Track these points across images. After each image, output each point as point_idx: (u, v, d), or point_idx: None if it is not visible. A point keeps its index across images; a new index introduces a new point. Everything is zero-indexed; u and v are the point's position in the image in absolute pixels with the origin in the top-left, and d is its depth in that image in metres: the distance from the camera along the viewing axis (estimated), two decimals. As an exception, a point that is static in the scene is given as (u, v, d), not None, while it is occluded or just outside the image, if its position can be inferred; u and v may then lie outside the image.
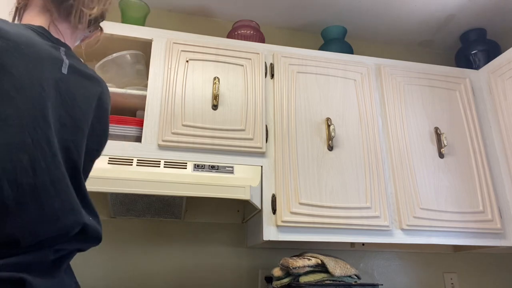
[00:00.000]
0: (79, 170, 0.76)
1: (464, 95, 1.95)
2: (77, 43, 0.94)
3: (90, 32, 0.96)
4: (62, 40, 0.84)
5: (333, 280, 1.49)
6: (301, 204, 1.56)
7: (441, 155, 1.80)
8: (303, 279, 1.48)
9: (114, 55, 1.67)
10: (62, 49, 0.80)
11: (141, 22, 1.91)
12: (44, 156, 0.67)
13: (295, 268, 1.47)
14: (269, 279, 1.68)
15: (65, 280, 0.72)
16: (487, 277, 2.07)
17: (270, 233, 1.50)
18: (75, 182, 0.74)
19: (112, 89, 1.57)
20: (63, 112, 0.75)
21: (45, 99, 0.70)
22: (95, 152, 0.86)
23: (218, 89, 1.64)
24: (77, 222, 0.71)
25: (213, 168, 1.54)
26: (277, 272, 1.57)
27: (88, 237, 0.76)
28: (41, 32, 0.79)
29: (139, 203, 1.62)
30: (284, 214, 1.52)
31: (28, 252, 0.65)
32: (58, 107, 0.73)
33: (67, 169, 0.73)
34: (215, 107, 1.63)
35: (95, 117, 0.84)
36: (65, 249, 0.72)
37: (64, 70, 0.77)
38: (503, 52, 1.97)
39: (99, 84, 0.88)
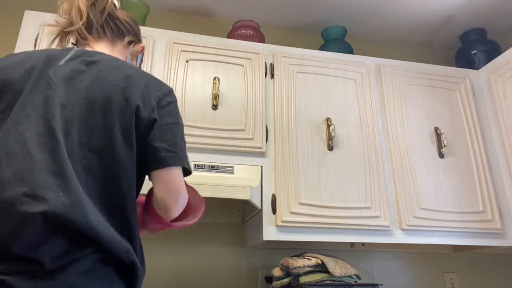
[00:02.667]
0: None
1: (464, 95, 1.95)
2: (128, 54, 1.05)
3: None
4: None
5: (333, 280, 1.49)
6: (301, 204, 1.56)
7: (441, 155, 1.80)
8: (303, 279, 1.48)
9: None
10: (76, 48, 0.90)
11: (141, 22, 1.91)
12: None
13: (295, 268, 1.47)
14: (269, 279, 1.68)
15: (73, 282, 0.66)
16: (487, 277, 2.07)
17: (270, 233, 1.50)
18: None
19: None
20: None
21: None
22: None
23: (218, 89, 1.64)
24: (26, 194, 0.66)
25: (213, 168, 1.54)
26: (277, 272, 1.57)
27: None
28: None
29: (139, 203, 1.62)
30: (284, 214, 1.52)
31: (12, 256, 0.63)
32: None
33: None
34: (215, 107, 1.63)
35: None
36: (60, 248, 0.66)
37: (61, 63, 0.84)
38: (503, 52, 1.97)
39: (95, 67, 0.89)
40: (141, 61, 1.12)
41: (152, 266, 1.73)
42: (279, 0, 2.18)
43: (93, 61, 0.85)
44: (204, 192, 1.48)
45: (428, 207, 1.68)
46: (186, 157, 0.87)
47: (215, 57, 1.73)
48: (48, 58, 0.84)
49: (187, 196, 0.88)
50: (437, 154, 1.80)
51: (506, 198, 1.79)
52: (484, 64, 2.08)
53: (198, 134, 1.57)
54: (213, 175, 1.52)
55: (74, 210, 0.67)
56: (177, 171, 0.85)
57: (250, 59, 1.76)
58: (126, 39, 1.01)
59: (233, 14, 2.27)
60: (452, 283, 2.01)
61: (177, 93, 1.62)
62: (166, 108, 0.86)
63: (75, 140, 0.75)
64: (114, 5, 0.99)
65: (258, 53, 1.78)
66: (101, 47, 0.96)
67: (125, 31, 1.01)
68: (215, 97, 1.63)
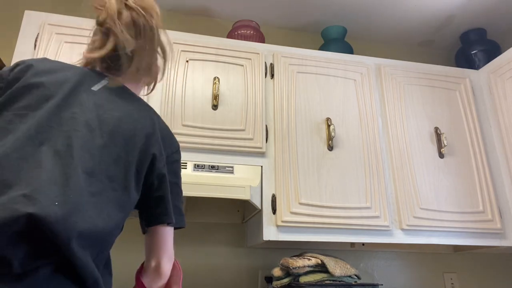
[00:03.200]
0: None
1: (464, 95, 1.95)
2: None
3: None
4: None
5: (333, 280, 1.49)
6: (301, 204, 1.56)
7: (441, 155, 1.80)
8: (303, 279, 1.48)
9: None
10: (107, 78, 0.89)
11: (141, 22, 1.90)
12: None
13: (295, 268, 1.47)
14: (269, 279, 1.68)
15: (41, 286, 0.63)
16: (487, 277, 2.07)
17: (270, 233, 1.50)
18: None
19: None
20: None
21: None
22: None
23: (218, 89, 1.64)
24: (24, 195, 0.64)
25: (213, 168, 1.54)
26: (277, 272, 1.57)
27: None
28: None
29: (139, 203, 1.62)
30: (284, 214, 1.52)
31: None
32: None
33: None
34: (215, 107, 1.63)
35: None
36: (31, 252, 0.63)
37: (96, 88, 0.84)
38: (503, 52, 1.97)
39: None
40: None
41: (152, 266, 1.73)
42: (279, 0, 2.19)
43: (126, 96, 0.86)
44: (204, 192, 1.48)
45: (428, 207, 1.68)
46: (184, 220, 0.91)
47: (215, 57, 1.73)
48: (83, 78, 0.84)
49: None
50: (437, 154, 1.80)
51: (506, 198, 1.79)
52: (484, 64, 2.08)
53: (198, 134, 1.57)
54: (213, 175, 1.52)
55: (62, 224, 0.64)
56: (172, 232, 0.89)
57: (250, 59, 1.76)
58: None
59: (233, 14, 2.27)
60: (452, 283, 2.01)
61: (177, 93, 1.62)
62: (172, 166, 0.89)
63: (95, 163, 0.74)
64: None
65: (258, 53, 1.78)
66: (128, 83, 0.94)
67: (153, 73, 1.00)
68: (215, 97, 1.63)
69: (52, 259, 0.65)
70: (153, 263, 0.87)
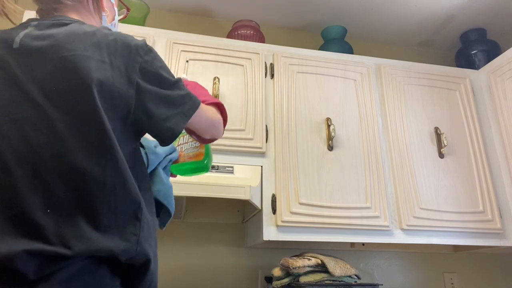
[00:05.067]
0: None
1: (464, 95, 1.95)
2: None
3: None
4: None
5: (333, 280, 1.49)
6: (301, 204, 1.56)
7: (441, 155, 1.79)
8: (303, 279, 1.48)
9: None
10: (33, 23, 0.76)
11: (141, 22, 1.91)
12: None
13: (295, 268, 1.47)
14: (269, 279, 1.68)
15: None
16: (487, 277, 2.07)
17: (270, 233, 1.50)
18: None
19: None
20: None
21: None
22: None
23: (218, 89, 1.64)
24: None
25: (213, 168, 1.54)
26: (277, 272, 1.57)
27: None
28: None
29: (139, 203, 1.61)
30: (284, 214, 1.52)
31: None
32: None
33: None
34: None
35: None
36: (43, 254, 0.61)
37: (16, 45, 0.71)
38: (503, 52, 1.97)
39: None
40: (116, 1, 0.97)
41: (152, 266, 1.73)
42: (279, 0, 2.18)
43: (53, 34, 0.74)
44: (204, 192, 1.48)
45: (428, 207, 1.68)
46: None
47: (215, 57, 1.73)
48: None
49: None
50: (437, 154, 1.80)
51: (506, 198, 1.79)
52: (484, 64, 2.08)
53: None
54: (213, 175, 1.52)
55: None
56: (200, 112, 0.85)
57: (250, 59, 1.76)
58: None
59: (233, 14, 2.27)
60: (452, 283, 2.01)
61: (177, 93, 1.62)
62: (150, 75, 0.78)
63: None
64: None
65: (258, 53, 1.78)
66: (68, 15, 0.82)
67: None
68: (215, 97, 1.63)
69: (68, 260, 0.63)
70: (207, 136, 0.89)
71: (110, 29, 0.78)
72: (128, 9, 1.01)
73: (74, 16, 0.82)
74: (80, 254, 0.62)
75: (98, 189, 0.66)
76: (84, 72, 0.68)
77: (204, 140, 0.92)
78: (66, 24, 0.75)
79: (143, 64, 0.74)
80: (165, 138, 0.77)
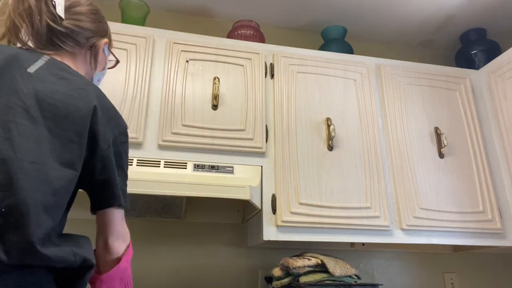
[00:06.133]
0: None
1: (464, 95, 1.95)
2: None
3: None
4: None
5: (333, 280, 1.49)
6: (301, 204, 1.56)
7: (441, 155, 1.80)
8: (303, 279, 1.48)
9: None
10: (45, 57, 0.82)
11: (141, 22, 1.91)
12: None
13: (295, 268, 1.47)
14: (269, 279, 1.68)
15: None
16: (487, 277, 2.07)
17: (270, 233, 1.50)
18: None
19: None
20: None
21: None
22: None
23: (218, 89, 1.64)
24: None
25: (213, 168, 1.54)
26: (277, 272, 1.57)
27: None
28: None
29: (139, 203, 1.62)
30: (284, 214, 1.52)
31: None
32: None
33: None
34: (215, 107, 1.63)
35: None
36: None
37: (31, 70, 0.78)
38: (503, 52, 1.97)
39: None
40: (109, 53, 1.02)
41: (152, 266, 1.73)
42: (279, 0, 2.18)
43: (65, 75, 0.81)
44: (204, 192, 1.48)
45: (428, 207, 1.68)
46: None
47: (215, 57, 1.73)
48: (14, 59, 0.78)
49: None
50: (437, 154, 1.80)
51: (506, 198, 1.79)
52: (484, 64, 2.08)
53: (198, 134, 1.57)
54: (213, 175, 1.52)
55: None
56: (120, 213, 0.88)
57: (250, 59, 1.76)
58: (86, 45, 0.93)
59: (233, 14, 2.27)
60: (452, 283, 2.01)
61: (177, 93, 1.62)
62: (118, 148, 0.88)
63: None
64: (53, 14, 0.85)
65: (258, 53, 1.78)
66: (65, 60, 0.88)
67: (81, 38, 0.91)
68: (215, 97, 1.63)
69: None
70: (101, 243, 0.85)
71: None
72: (117, 61, 1.07)
73: (70, 63, 0.88)
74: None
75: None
76: (86, 121, 0.77)
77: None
78: (72, 73, 0.83)
79: (117, 140, 0.85)
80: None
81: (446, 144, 1.78)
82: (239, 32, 2.00)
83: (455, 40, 2.46)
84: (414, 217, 1.64)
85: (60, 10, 0.85)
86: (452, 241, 1.67)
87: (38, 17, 0.81)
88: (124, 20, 1.86)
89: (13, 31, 0.83)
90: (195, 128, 1.58)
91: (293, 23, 2.38)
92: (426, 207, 1.67)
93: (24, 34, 0.83)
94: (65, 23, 0.86)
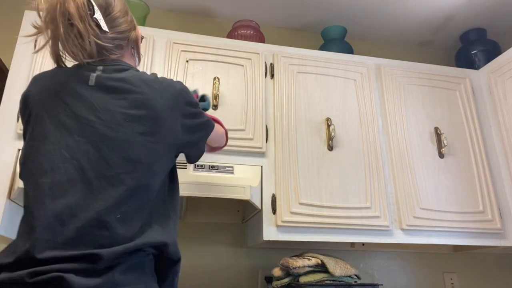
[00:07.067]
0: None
1: (464, 95, 1.95)
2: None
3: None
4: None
5: (333, 280, 1.49)
6: (301, 204, 1.56)
7: (441, 155, 1.79)
8: (303, 279, 1.48)
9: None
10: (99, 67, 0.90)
11: (141, 22, 1.91)
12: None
13: (295, 268, 1.47)
14: (269, 279, 1.68)
15: (116, 280, 0.73)
16: (487, 277, 2.07)
17: (270, 233, 1.50)
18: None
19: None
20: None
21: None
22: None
23: (218, 89, 1.64)
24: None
25: (213, 168, 1.54)
26: (277, 272, 1.57)
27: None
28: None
29: (139, 203, 1.61)
30: (284, 214, 1.52)
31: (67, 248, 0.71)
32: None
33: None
34: (215, 107, 1.63)
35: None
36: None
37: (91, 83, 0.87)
38: (503, 52, 1.97)
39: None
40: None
41: (152, 266, 1.73)
42: (279, 0, 2.18)
43: (122, 78, 0.89)
44: (204, 192, 1.48)
45: (428, 207, 1.68)
46: None
47: (215, 57, 1.73)
48: (74, 78, 0.87)
49: None
50: (437, 154, 1.80)
51: (506, 198, 1.79)
52: (484, 64, 2.08)
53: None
54: (213, 175, 1.52)
55: None
56: (213, 131, 1.13)
57: (250, 59, 1.76)
58: (129, 44, 1.00)
59: (233, 14, 2.27)
60: (452, 283, 2.01)
61: (177, 93, 1.62)
62: (188, 119, 1.01)
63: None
64: (97, 32, 0.89)
65: (258, 53, 1.78)
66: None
67: (124, 41, 0.97)
68: (215, 97, 1.63)
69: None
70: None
71: (156, 75, 0.96)
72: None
73: (124, 60, 0.97)
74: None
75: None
76: (152, 110, 0.86)
77: (211, 148, 1.22)
78: (126, 70, 0.91)
79: (182, 105, 0.93)
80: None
81: (446, 144, 1.78)
82: (239, 32, 2.00)
83: (455, 40, 2.46)
84: (414, 217, 1.64)
85: (104, 25, 0.89)
86: (452, 241, 1.67)
87: (88, 41, 0.86)
88: (124, 20, 1.86)
89: (70, 56, 0.90)
90: (195, 128, 1.58)
91: (293, 23, 2.38)
92: (426, 207, 1.67)
93: (79, 59, 0.89)
94: (109, 35, 0.91)
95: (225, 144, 1.26)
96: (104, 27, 0.89)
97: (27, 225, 0.75)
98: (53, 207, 0.74)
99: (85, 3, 0.86)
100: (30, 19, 1.60)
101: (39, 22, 0.87)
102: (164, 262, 0.90)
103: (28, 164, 0.82)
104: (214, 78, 1.66)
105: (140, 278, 0.78)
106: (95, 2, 0.88)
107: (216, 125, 1.11)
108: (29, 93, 0.89)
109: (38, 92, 0.87)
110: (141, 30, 1.71)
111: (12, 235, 1.43)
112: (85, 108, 0.83)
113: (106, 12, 0.92)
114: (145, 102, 0.85)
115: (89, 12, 0.86)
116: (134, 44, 1.01)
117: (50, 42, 0.88)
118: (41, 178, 0.78)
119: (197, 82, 1.66)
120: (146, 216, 0.82)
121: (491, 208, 1.74)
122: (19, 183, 1.35)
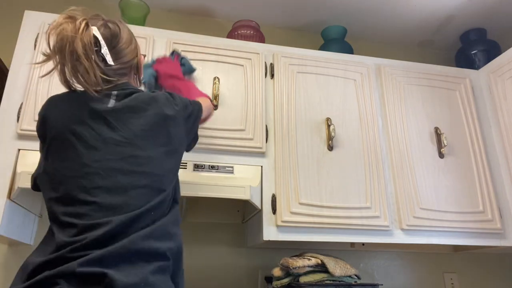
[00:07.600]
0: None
1: (464, 95, 1.95)
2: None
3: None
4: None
5: (333, 280, 1.49)
6: (301, 204, 1.56)
7: (441, 155, 1.79)
8: (303, 279, 1.48)
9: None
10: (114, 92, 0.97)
11: (141, 22, 1.91)
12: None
13: (295, 268, 1.47)
14: (269, 279, 1.68)
15: (149, 280, 0.78)
16: (487, 277, 2.07)
17: (270, 233, 1.50)
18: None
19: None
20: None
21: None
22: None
23: (218, 89, 1.64)
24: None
25: (213, 168, 1.54)
26: (277, 272, 1.57)
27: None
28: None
29: (139, 203, 1.61)
30: (284, 214, 1.52)
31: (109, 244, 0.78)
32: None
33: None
34: (215, 107, 1.63)
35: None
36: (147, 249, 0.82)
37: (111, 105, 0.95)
38: (503, 52, 1.97)
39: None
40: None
41: (152, 266, 1.73)
42: (279, 0, 2.19)
43: (134, 97, 0.99)
44: (204, 192, 1.48)
45: (428, 207, 1.68)
46: None
47: (215, 57, 1.73)
48: (92, 102, 0.94)
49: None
50: (437, 154, 1.80)
51: (506, 198, 1.79)
52: (484, 64, 2.08)
53: (198, 134, 1.56)
54: (213, 175, 1.52)
55: None
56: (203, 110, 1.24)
57: (250, 59, 1.76)
58: (132, 70, 1.07)
59: (233, 14, 2.27)
60: (452, 283, 2.01)
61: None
62: (189, 120, 1.12)
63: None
64: (102, 67, 0.95)
65: (258, 53, 1.78)
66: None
67: (127, 70, 1.04)
68: (215, 97, 1.63)
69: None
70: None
71: (155, 91, 1.06)
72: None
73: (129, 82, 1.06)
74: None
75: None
76: (165, 124, 0.98)
77: (202, 120, 1.24)
78: (135, 92, 0.99)
79: (181, 112, 1.03)
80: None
81: (446, 144, 1.78)
82: (239, 32, 2.00)
83: (455, 40, 2.46)
84: (414, 217, 1.64)
85: (110, 60, 0.95)
86: (452, 241, 1.67)
87: (94, 76, 0.92)
88: (124, 20, 1.86)
89: (78, 85, 0.97)
90: (195, 128, 1.57)
91: (293, 23, 2.38)
92: (426, 207, 1.67)
93: (85, 89, 0.94)
94: (114, 66, 0.97)
95: (213, 109, 1.37)
96: (110, 61, 0.95)
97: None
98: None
99: (92, 41, 0.91)
100: (30, 19, 1.60)
101: (47, 50, 0.93)
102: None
103: (64, 184, 0.87)
104: (214, 78, 1.66)
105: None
106: (102, 36, 0.94)
107: (200, 99, 1.20)
108: (48, 114, 0.94)
109: (60, 116, 0.92)
110: (141, 30, 1.72)
111: (12, 235, 1.43)
112: (109, 130, 0.90)
113: (112, 44, 0.97)
114: (158, 118, 0.95)
115: (95, 49, 0.92)
116: (136, 71, 1.08)
117: (59, 73, 0.95)
118: (85, 198, 0.85)
119: (197, 82, 1.66)
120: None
121: (491, 208, 1.74)
122: (19, 183, 1.35)
